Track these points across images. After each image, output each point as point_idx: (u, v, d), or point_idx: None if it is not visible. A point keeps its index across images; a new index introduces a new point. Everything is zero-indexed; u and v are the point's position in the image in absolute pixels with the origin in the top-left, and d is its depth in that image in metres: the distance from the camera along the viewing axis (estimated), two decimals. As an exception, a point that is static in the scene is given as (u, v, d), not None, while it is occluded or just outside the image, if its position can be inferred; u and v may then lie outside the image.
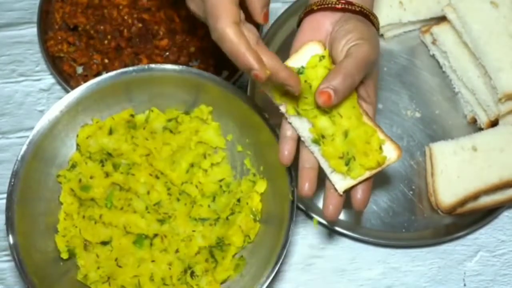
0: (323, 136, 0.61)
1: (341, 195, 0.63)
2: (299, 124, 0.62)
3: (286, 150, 0.63)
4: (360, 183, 0.62)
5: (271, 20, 0.86)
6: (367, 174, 0.61)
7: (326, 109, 0.60)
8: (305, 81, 0.61)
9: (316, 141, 0.61)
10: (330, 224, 0.77)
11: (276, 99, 0.62)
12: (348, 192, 0.63)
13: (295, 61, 0.62)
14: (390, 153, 0.61)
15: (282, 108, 0.63)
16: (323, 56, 0.61)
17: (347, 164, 0.61)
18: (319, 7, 0.63)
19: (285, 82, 0.58)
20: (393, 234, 0.78)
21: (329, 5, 0.62)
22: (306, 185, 0.63)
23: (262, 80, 0.55)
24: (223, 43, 0.55)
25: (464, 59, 0.82)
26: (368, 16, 0.63)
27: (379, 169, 0.61)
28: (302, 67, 0.61)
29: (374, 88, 0.63)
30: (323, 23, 0.63)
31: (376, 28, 0.64)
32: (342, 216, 0.79)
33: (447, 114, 0.84)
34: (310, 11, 0.64)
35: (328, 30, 0.63)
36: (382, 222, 0.79)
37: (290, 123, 0.63)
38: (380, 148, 0.61)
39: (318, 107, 0.60)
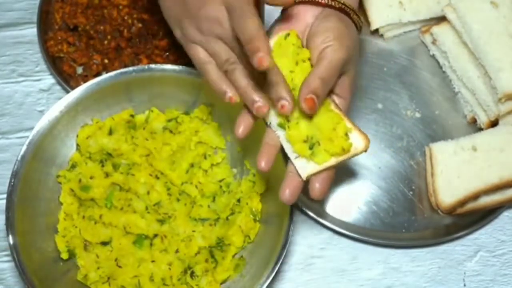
0: (288, 120, 0.60)
1: (302, 180, 0.61)
2: None
3: (242, 125, 0.62)
4: (324, 170, 0.60)
5: (271, 20, 0.83)
6: (333, 160, 0.60)
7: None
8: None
9: (281, 125, 0.61)
10: (330, 224, 0.78)
11: None
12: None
13: None
14: (358, 142, 0.60)
15: None
16: (288, 34, 0.62)
17: (311, 148, 0.60)
18: None
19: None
20: (393, 234, 0.78)
21: None
22: (264, 161, 0.61)
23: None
24: None
25: (464, 59, 0.82)
26: (349, 14, 0.63)
27: (345, 156, 0.60)
28: None
29: (348, 84, 0.63)
30: (303, 15, 0.64)
31: (357, 26, 0.65)
32: (342, 217, 0.79)
33: (447, 114, 0.84)
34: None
35: (308, 22, 0.63)
36: (382, 222, 0.79)
37: None
38: (346, 135, 0.60)
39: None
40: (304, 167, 0.60)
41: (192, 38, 0.64)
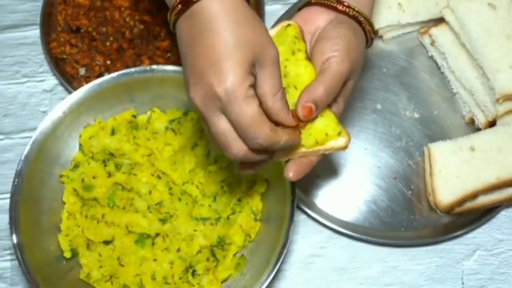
0: None
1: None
2: None
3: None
4: (302, 156, 0.61)
5: (271, 22, 0.86)
6: (303, 149, 0.60)
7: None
8: None
9: None
10: (329, 223, 0.78)
11: None
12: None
13: None
14: (339, 138, 0.61)
15: None
16: (289, 25, 0.62)
17: None
18: (317, 1, 0.64)
19: None
20: (392, 233, 0.78)
21: (327, 3, 0.63)
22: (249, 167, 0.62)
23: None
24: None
25: (462, 60, 0.82)
26: (361, 23, 0.63)
27: (320, 147, 0.60)
28: None
29: (345, 92, 0.63)
30: (316, 17, 0.63)
31: (367, 36, 0.64)
32: (341, 216, 0.80)
33: (445, 114, 0.84)
34: (308, 4, 0.65)
35: (319, 26, 0.63)
36: (381, 221, 0.79)
37: None
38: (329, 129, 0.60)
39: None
40: None
41: (193, 104, 0.55)
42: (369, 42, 0.65)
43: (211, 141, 0.58)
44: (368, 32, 0.64)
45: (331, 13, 0.63)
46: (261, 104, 0.55)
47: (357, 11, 0.63)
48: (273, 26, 0.79)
